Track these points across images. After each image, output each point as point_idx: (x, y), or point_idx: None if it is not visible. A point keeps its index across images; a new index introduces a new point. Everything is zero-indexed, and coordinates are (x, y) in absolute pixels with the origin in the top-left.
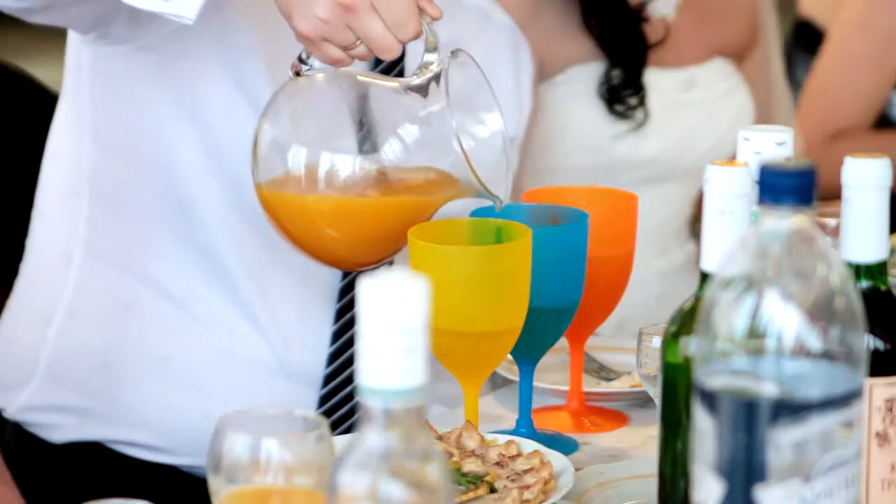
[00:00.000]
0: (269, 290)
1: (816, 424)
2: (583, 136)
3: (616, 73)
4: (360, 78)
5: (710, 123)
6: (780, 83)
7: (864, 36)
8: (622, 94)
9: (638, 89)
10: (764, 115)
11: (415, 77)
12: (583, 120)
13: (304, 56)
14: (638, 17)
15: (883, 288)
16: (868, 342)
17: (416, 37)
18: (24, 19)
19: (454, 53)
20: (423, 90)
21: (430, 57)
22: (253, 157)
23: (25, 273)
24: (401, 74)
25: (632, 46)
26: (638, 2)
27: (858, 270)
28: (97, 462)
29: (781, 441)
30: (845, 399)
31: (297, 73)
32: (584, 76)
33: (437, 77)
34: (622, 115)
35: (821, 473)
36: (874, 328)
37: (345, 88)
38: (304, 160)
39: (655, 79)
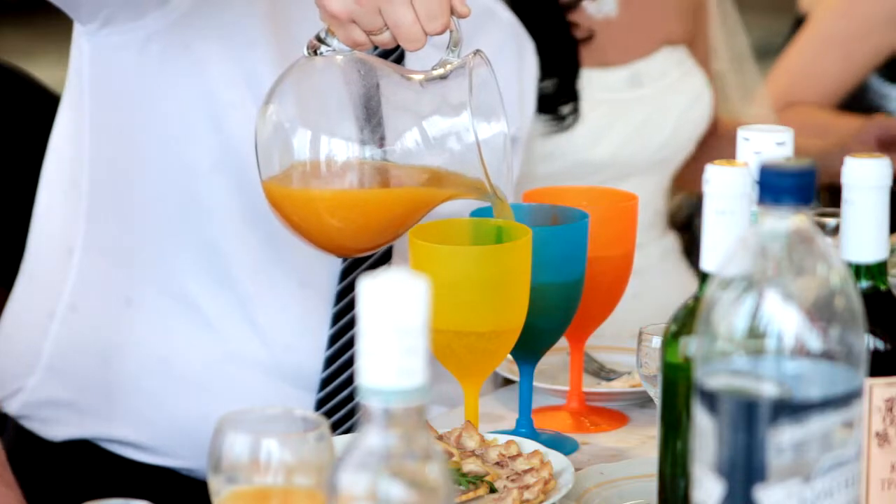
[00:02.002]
0: (268, 292)
1: (816, 424)
2: (533, 144)
3: (549, 83)
4: (379, 65)
5: (660, 116)
6: (740, 61)
7: (842, 21)
8: (555, 102)
9: (572, 97)
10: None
11: (435, 71)
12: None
13: (322, 35)
14: (565, 22)
15: (883, 288)
16: (868, 342)
17: (444, 31)
18: None
19: (476, 53)
20: (443, 86)
21: (450, 54)
22: (257, 137)
23: (27, 269)
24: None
25: (562, 45)
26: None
27: (858, 270)
28: (96, 464)
29: (781, 441)
30: (845, 399)
31: (315, 52)
32: None
33: (459, 75)
34: (551, 119)
35: (821, 473)
36: (874, 328)
37: (363, 74)
38: (310, 146)
39: (600, 79)
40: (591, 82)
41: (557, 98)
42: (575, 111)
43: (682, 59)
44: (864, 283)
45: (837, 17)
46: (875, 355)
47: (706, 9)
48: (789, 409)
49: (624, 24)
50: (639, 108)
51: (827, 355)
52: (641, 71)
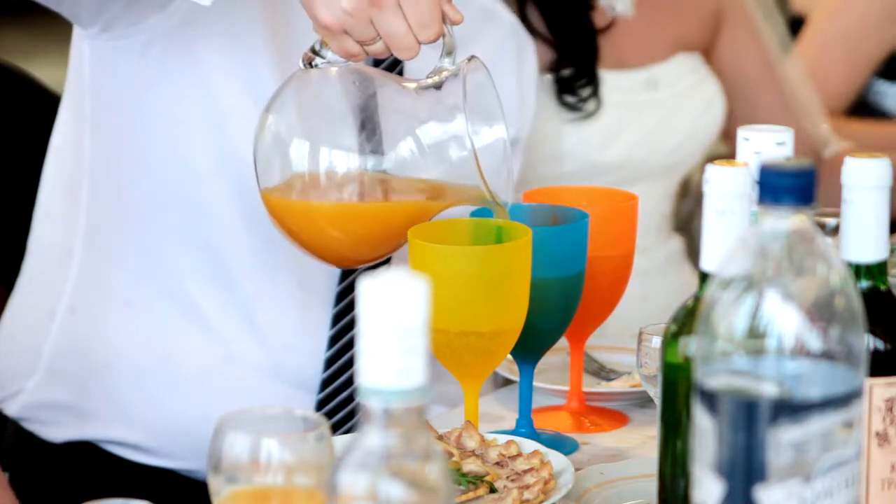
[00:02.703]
0: (268, 293)
1: (816, 424)
2: (545, 144)
3: (567, 71)
4: (374, 75)
5: (674, 121)
6: (781, 50)
7: (840, 20)
8: (574, 85)
9: (591, 80)
10: (761, 87)
11: (430, 79)
12: (544, 127)
13: (317, 47)
14: (585, 5)
15: (883, 288)
16: (868, 342)
17: (437, 39)
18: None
19: (470, 59)
20: (438, 93)
21: (445, 61)
22: (256, 150)
23: (27, 269)
24: (399, 74)
25: (580, 34)
26: None
27: (858, 270)
28: (96, 466)
29: (781, 441)
30: (845, 399)
31: (310, 64)
32: (543, 83)
33: (453, 81)
34: (572, 107)
35: (821, 473)
36: (874, 328)
37: (358, 85)
38: (308, 158)
39: (615, 81)
40: (606, 84)
41: (577, 80)
42: (595, 95)
43: (697, 65)
44: (864, 283)
45: (836, 17)
46: (875, 355)
47: (733, 12)
48: (789, 409)
49: (640, 26)
50: (652, 112)
51: (827, 355)
52: (656, 75)
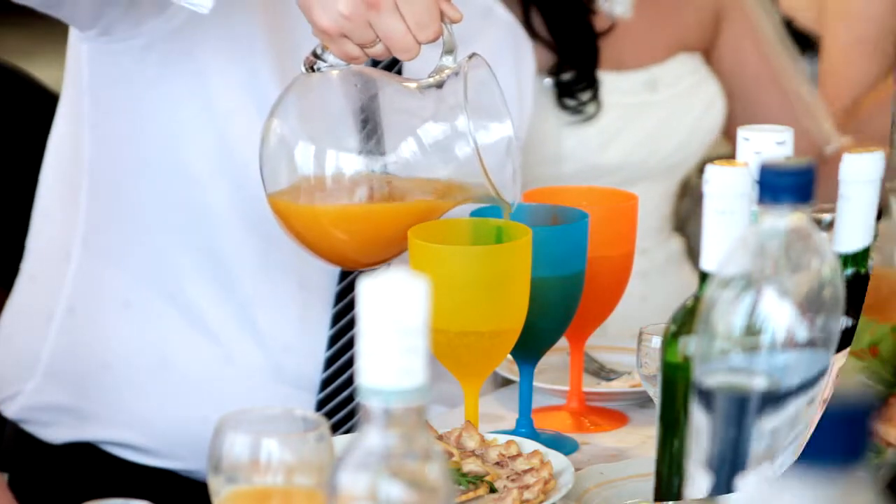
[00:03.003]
0: (267, 293)
1: (792, 408)
2: (544, 146)
3: (568, 75)
4: (376, 77)
5: (674, 121)
6: (782, 48)
7: (854, 23)
8: (574, 88)
9: (591, 84)
10: (763, 86)
11: (431, 78)
12: (543, 129)
13: (318, 51)
14: (586, 8)
15: (863, 272)
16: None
17: (436, 39)
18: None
19: (471, 57)
20: (439, 92)
21: (446, 60)
22: (261, 155)
23: (26, 271)
24: (399, 73)
25: (580, 37)
26: None
27: (846, 259)
28: (96, 465)
29: (763, 430)
30: (816, 379)
31: (311, 68)
32: (543, 86)
33: (454, 80)
34: (572, 111)
35: (783, 450)
36: (848, 310)
37: (360, 87)
38: (314, 162)
39: (614, 82)
40: (606, 85)
41: (577, 84)
42: (595, 98)
43: (697, 66)
44: (849, 271)
45: (851, 21)
46: (842, 333)
47: (728, 17)
48: (774, 399)
49: (640, 28)
50: (652, 113)
51: (811, 343)
52: (657, 76)
